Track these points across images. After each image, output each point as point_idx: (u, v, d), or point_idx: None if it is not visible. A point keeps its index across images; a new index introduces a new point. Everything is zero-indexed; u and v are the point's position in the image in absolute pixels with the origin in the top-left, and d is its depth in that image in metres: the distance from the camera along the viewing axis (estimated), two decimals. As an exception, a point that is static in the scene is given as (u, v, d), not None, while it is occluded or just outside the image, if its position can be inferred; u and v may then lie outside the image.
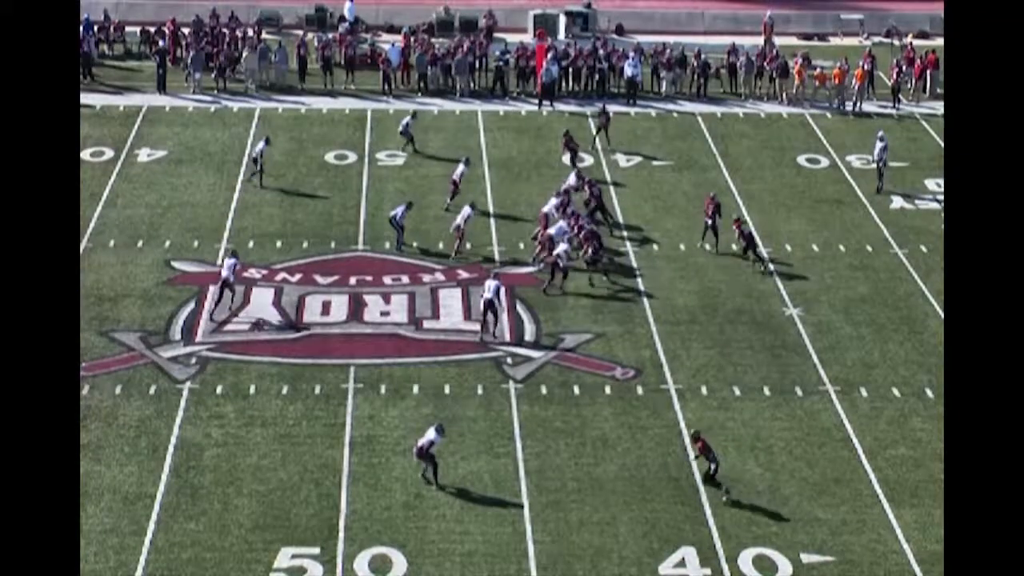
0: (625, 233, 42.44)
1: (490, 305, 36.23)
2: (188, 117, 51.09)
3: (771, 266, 40.42)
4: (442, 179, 45.76)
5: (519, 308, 37.79)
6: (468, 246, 40.70)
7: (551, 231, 40.19)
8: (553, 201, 41.75)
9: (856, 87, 53.51)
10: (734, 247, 41.27)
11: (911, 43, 57.67)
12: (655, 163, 48.14)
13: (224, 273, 37.12)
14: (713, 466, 30.29)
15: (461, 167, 43.93)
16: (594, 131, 49.32)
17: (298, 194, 44.67)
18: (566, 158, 46.55)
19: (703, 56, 54.59)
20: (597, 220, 42.00)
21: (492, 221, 42.80)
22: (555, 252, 38.81)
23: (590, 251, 39.40)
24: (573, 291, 38.68)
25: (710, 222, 41.21)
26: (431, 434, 30.21)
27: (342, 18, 60.06)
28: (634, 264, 40.53)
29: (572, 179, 43.89)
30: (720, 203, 41.82)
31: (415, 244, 41.21)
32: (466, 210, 41.09)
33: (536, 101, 53.14)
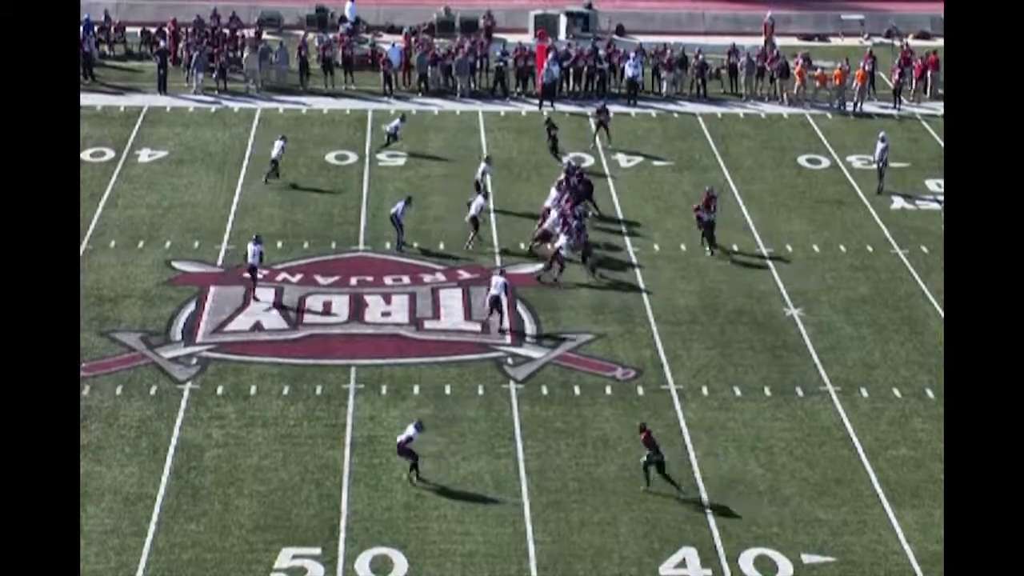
0: (624, 231, 42.43)
1: (496, 302, 36.44)
2: (189, 117, 51.10)
3: (722, 257, 40.70)
4: (442, 179, 45.85)
5: (520, 308, 37.78)
6: (470, 245, 40.73)
7: (547, 224, 40.36)
8: (554, 193, 41.92)
9: (857, 88, 53.50)
10: (735, 247, 41.33)
11: (906, 44, 57.60)
12: (656, 163, 48.14)
13: (251, 260, 37.63)
14: (656, 457, 29.88)
15: (483, 166, 44.11)
16: (593, 129, 49.34)
17: (299, 194, 44.64)
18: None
19: (701, 56, 54.60)
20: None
21: (493, 221, 42.78)
22: (557, 244, 39.03)
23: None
24: (573, 291, 38.70)
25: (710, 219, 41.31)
26: (410, 430, 30.40)
27: (343, 18, 60.06)
28: (635, 264, 40.52)
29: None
30: (716, 196, 41.87)
31: (415, 244, 41.21)
32: (479, 200, 41.46)
33: (536, 102, 53.13)
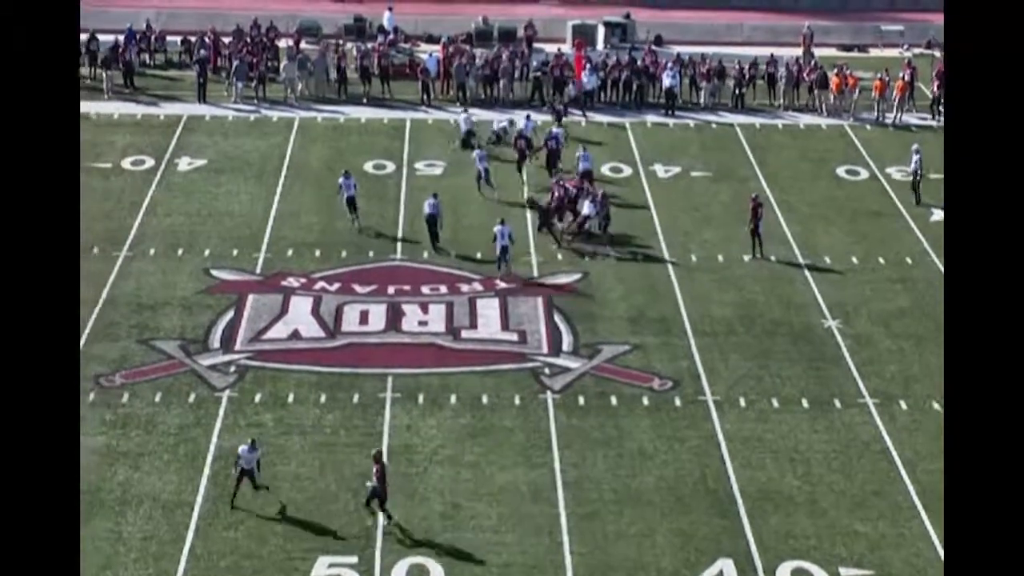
0: (662, 241, 42.41)
1: (505, 251, 39.43)
2: (228, 126, 51.32)
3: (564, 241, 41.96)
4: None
5: (556, 319, 37.78)
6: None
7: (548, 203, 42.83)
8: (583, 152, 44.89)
9: (896, 99, 53.29)
10: (773, 258, 41.25)
11: (943, 55, 57.32)
12: (693, 174, 48.09)
13: (347, 193, 42.37)
14: (378, 492, 28.98)
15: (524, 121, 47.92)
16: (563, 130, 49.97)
17: (336, 203, 44.71)
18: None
19: (737, 66, 54.57)
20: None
21: (530, 227, 42.77)
22: (583, 213, 41.73)
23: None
24: (610, 302, 38.69)
25: (753, 227, 41.16)
26: (241, 447, 29.87)
27: (381, 28, 60.21)
28: (672, 275, 40.46)
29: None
30: (762, 203, 41.83)
31: (453, 253, 41.26)
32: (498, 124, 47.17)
33: (577, 111, 53.06)
